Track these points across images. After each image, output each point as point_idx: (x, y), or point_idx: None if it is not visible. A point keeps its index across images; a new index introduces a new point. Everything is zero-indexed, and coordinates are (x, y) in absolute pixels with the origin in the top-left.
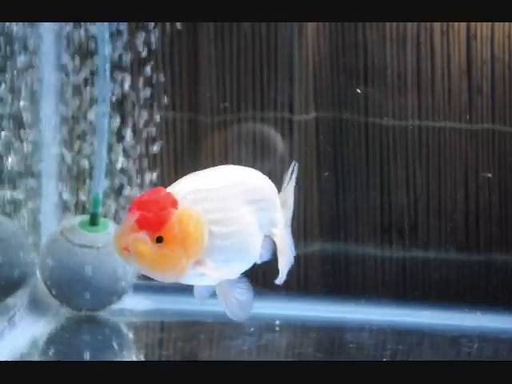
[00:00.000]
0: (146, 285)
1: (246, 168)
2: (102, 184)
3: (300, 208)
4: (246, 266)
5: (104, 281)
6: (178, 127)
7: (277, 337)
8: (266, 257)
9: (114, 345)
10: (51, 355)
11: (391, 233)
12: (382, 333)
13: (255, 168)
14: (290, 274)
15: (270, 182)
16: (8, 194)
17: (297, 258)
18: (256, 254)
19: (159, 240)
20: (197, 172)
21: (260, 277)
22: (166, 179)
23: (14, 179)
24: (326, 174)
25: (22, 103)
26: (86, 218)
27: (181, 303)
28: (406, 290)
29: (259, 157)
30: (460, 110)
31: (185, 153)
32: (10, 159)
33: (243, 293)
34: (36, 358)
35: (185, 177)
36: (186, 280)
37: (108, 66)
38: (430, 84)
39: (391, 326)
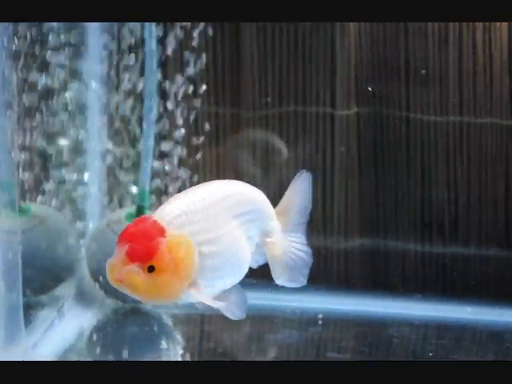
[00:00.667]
0: None
1: (233, 181)
2: (148, 177)
3: (341, 203)
4: (239, 277)
5: None
6: (220, 122)
7: (320, 331)
8: (262, 261)
9: (159, 336)
10: (98, 346)
11: (431, 228)
12: (423, 327)
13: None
14: (330, 269)
15: (258, 192)
16: (55, 186)
17: (337, 253)
18: (246, 266)
19: (151, 269)
20: (182, 193)
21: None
22: (208, 175)
23: (62, 171)
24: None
25: (67, 95)
26: (132, 210)
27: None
28: (446, 285)
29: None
30: (501, 106)
31: (227, 148)
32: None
33: (236, 294)
34: (84, 349)
35: (170, 199)
36: (182, 299)
37: (155, 61)
38: (471, 80)
39: (432, 320)
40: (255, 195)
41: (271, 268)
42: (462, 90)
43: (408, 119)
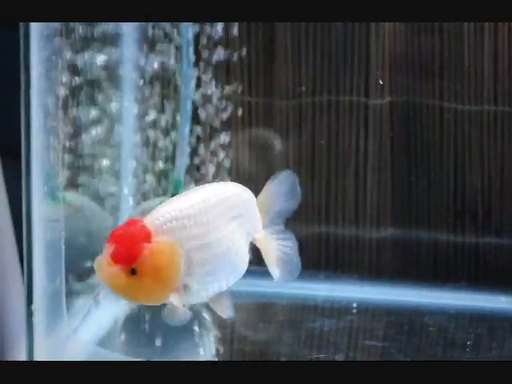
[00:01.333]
0: None
1: (226, 184)
2: (183, 166)
3: (373, 193)
4: (235, 279)
5: None
6: (253, 111)
7: (355, 319)
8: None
9: (193, 325)
10: (133, 334)
11: (464, 218)
12: (459, 317)
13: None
14: (362, 258)
15: (248, 191)
16: (87, 175)
17: (369, 243)
18: (244, 267)
19: (133, 272)
20: (176, 197)
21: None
22: (241, 165)
23: (93, 160)
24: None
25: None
26: (165, 199)
27: (253, 285)
28: (478, 275)
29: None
30: None
31: (260, 136)
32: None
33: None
34: (119, 337)
35: (164, 203)
36: (179, 302)
37: (191, 51)
38: (506, 69)
39: (467, 310)
40: (247, 196)
41: (267, 264)
42: (496, 78)
43: (442, 108)
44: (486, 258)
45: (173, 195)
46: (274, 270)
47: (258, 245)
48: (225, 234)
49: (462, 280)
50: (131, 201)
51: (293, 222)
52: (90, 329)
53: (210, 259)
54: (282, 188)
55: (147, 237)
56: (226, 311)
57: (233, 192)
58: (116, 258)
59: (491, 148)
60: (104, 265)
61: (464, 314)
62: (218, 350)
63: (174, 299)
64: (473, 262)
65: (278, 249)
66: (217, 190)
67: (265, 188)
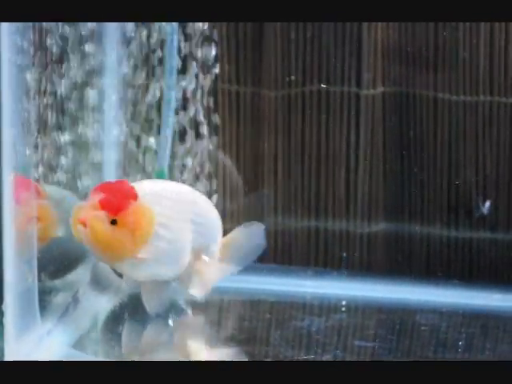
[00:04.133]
0: None
1: (202, 196)
2: (166, 158)
3: (364, 186)
4: (173, 274)
5: None
6: (241, 101)
7: (345, 318)
8: None
9: (176, 322)
10: (114, 332)
11: (458, 213)
12: (452, 315)
13: None
14: (353, 254)
15: (217, 216)
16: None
17: (360, 238)
18: (182, 267)
19: (113, 222)
20: (163, 180)
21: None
22: (228, 154)
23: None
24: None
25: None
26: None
27: (240, 282)
28: (472, 271)
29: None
30: None
31: (247, 127)
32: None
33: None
34: (99, 334)
35: (147, 180)
36: (124, 270)
37: (176, 38)
38: (502, 59)
39: (460, 308)
40: (215, 219)
41: (188, 279)
42: (492, 69)
43: (436, 99)
44: (481, 253)
45: None
46: (192, 288)
47: (198, 263)
48: (182, 227)
49: (455, 279)
50: None
51: (281, 215)
52: (66, 329)
53: (167, 240)
54: (246, 239)
55: (135, 196)
56: (151, 305)
57: (202, 204)
58: (104, 205)
59: (486, 140)
60: (88, 208)
61: (457, 311)
62: (200, 350)
63: (142, 254)
64: (466, 257)
65: (205, 277)
66: (195, 194)
67: (232, 233)
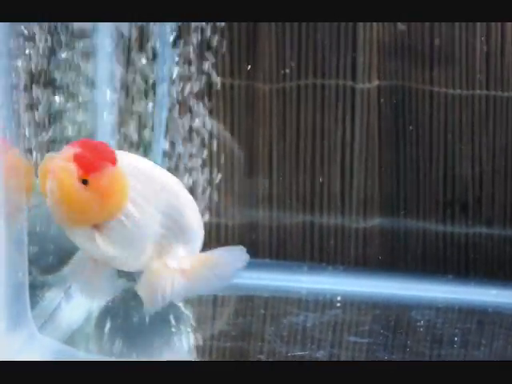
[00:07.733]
0: None
1: (185, 192)
2: (159, 150)
3: (360, 180)
4: (133, 262)
5: None
6: (235, 94)
7: (340, 313)
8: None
9: (171, 318)
10: (107, 328)
11: (454, 207)
12: (448, 311)
13: None
14: (348, 249)
15: (198, 226)
16: None
17: (355, 233)
18: (142, 259)
19: (84, 182)
20: (147, 159)
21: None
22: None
23: None
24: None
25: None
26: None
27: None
28: (468, 267)
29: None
30: None
31: (241, 120)
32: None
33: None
34: (92, 331)
35: (136, 154)
36: (78, 240)
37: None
38: (499, 53)
39: (456, 303)
40: (192, 221)
41: (143, 281)
42: (488, 63)
43: (431, 93)
44: (476, 249)
45: None
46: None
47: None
48: (151, 213)
49: (450, 274)
50: None
51: (276, 209)
52: (59, 324)
53: (135, 219)
54: (225, 264)
55: (114, 161)
56: (96, 295)
57: (187, 206)
58: (78, 159)
59: (482, 134)
60: (60, 158)
61: (453, 307)
62: (195, 347)
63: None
64: (462, 252)
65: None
66: (180, 190)
67: (213, 252)
